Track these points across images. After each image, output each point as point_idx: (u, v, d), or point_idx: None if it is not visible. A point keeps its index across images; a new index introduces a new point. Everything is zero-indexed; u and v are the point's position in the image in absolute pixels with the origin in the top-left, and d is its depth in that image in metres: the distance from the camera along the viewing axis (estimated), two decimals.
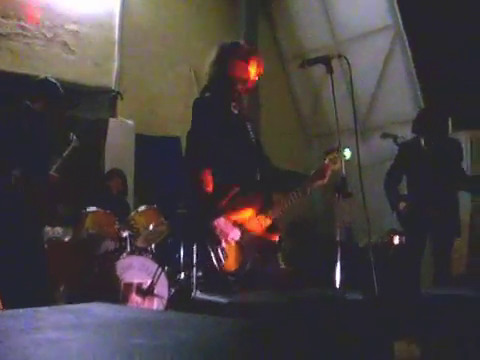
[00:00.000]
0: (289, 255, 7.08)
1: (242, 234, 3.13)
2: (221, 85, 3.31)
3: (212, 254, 3.03)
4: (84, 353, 1.22)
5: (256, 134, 3.47)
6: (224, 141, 3.20)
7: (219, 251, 3.04)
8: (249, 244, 3.13)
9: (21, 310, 1.72)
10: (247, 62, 3.33)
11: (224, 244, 3.05)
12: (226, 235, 3.05)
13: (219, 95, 3.30)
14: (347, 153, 3.38)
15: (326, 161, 3.37)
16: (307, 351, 1.44)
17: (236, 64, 3.30)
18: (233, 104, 3.33)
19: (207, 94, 3.34)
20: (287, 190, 3.32)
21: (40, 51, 6.67)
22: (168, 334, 1.48)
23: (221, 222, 3.05)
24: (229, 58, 3.32)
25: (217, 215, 3.06)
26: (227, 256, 3.05)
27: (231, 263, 3.06)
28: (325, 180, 3.33)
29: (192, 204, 3.37)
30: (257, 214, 3.22)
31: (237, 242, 3.09)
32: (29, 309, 1.69)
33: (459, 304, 2.68)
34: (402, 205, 5.14)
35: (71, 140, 5.11)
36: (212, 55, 3.39)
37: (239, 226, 3.13)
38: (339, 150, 3.30)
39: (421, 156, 5.12)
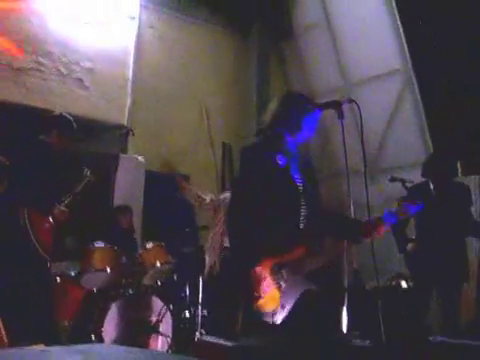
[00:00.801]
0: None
1: (282, 278, 3.11)
2: (274, 134, 3.32)
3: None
4: None
5: (306, 179, 3.41)
6: (267, 194, 3.20)
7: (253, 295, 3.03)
8: (289, 288, 3.12)
9: (28, 350, 1.72)
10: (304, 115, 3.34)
11: (256, 294, 3.03)
12: (258, 286, 3.03)
13: (268, 144, 3.31)
14: None
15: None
16: None
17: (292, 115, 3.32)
18: (278, 156, 3.30)
19: (257, 140, 3.36)
20: (337, 235, 3.32)
21: (55, 87, 6.77)
22: None
23: (258, 273, 3.04)
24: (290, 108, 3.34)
25: (255, 264, 3.04)
26: (261, 298, 3.03)
27: (267, 304, 3.05)
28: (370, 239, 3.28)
29: (233, 249, 3.33)
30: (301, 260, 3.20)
31: (276, 287, 3.08)
32: (36, 348, 1.69)
33: (468, 353, 2.65)
34: (410, 246, 5.12)
35: (85, 175, 5.15)
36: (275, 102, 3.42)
37: (280, 269, 3.12)
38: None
39: (430, 200, 5.11)
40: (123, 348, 2.19)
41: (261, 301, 2.98)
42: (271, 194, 3.16)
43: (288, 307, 3.05)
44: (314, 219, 3.30)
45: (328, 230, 3.43)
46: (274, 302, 3.04)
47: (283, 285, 3.07)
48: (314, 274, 3.30)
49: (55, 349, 1.78)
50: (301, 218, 3.25)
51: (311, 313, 3.15)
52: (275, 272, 3.07)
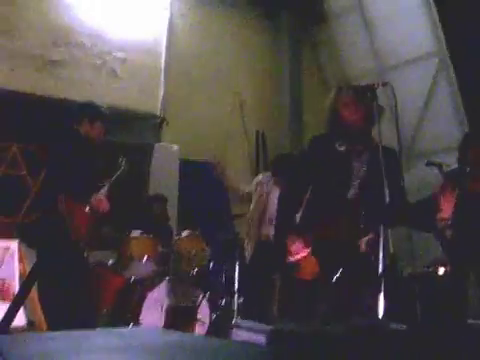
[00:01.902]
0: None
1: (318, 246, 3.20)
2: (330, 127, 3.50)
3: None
4: None
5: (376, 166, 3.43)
6: (316, 174, 3.34)
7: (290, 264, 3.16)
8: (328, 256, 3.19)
9: (68, 332, 1.76)
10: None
11: (290, 258, 3.16)
12: (290, 250, 3.15)
13: (330, 132, 3.50)
14: None
15: None
16: None
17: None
18: (339, 142, 3.40)
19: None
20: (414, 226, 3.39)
21: (88, 78, 6.84)
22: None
23: (291, 238, 3.14)
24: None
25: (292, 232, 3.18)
26: (299, 268, 3.15)
27: (305, 273, 3.16)
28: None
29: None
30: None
31: (313, 254, 3.19)
32: (76, 332, 1.72)
33: None
34: (448, 233, 5.05)
35: (120, 165, 5.19)
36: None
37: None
38: None
39: (466, 184, 5.03)
40: (160, 330, 2.22)
41: (298, 267, 3.09)
42: (321, 176, 3.28)
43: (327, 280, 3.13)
44: (373, 205, 3.33)
45: (401, 219, 3.50)
46: (312, 271, 3.12)
47: (322, 257, 3.16)
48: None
49: (93, 332, 1.81)
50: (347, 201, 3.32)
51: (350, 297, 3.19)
52: (314, 243, 3.18)
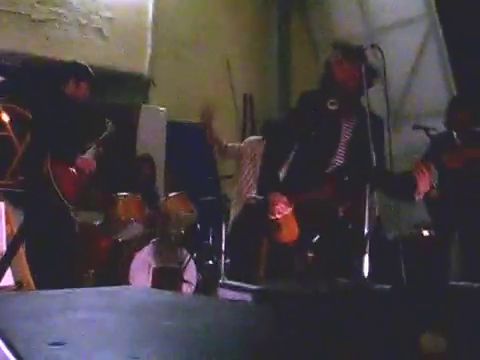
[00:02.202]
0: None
1: (298, 208, 3.20)
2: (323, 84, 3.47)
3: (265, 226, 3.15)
4: (117, 333, 1.26)
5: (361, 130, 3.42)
6: (305, 133, 3.31)
7: (271, 224, 3.15)
8: (308, 217, 3.20)
9: (55, 291, 1.77)
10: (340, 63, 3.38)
11: (276, 215, 3.14)
12: (272, 207, 3.14)
13: (323, 89, 3.45)
14: None
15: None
16: (333, 339, 1.45)
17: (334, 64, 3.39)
18: (331, 100, 3.36)
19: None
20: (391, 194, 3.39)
21: (75, 37, 6.75)
22: (199, 318, 1.51)
23: (274, 196, 3.14)
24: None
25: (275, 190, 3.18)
26: (280, 228, 3.15)
27: (286, 235, 3.17)
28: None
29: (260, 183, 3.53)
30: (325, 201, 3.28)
31: (293, 214, 3.18)
32: (64, 290, 1.74)
33: None
34: (433, 192, 5.09)
35: (107, 126, 5.16)
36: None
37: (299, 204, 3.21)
38: None
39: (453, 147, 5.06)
40: (149, 289, 2.25)
41: (280, 231, 3.09)
42: (309, 134, 3.26)
43: (309, 241, 3.16)
44: (358, 169, 3.33)
45: (382, 187, 3.48)
46: (292, 234, 3.14)
47: (303, 221, 3.16)
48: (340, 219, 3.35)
49: (81, 290, 1.83)
50: (333, 162, 3.31)
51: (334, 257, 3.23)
52: (296, 207, 3.17)
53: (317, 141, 3.31)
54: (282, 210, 3.16)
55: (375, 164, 3.22)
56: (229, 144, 5.55)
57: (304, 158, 3.32)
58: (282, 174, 3.32)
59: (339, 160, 3.38)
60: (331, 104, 3.35)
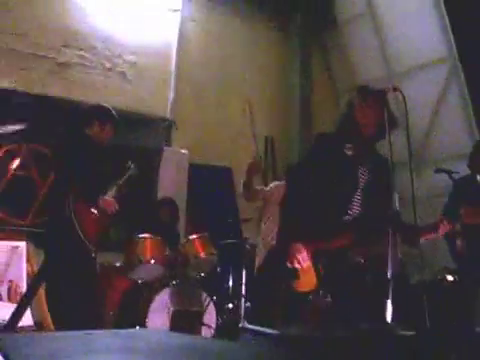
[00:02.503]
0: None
1: (317, 256, 3.17)
2: (342, 126, 3.40)
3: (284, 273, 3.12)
4: None
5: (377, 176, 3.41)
6: (323, 179, 3.27)
7: (290, 271, 3.12)
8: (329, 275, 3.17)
9: (73, 332, 1.75)
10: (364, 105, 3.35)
11: (291, 265, 3.11)
12: (293, 257, 3.11)
13: (340, 133, 3.39)
14: None
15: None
16: None
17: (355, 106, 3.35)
18: (348, 145, 3.34)
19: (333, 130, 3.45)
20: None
21: (99, 80, 6.87)
22: None
23: (295, 246, 3.12)
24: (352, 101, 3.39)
25: (295, 240, 3.14)
26: (299, 277, 3.11)
27: (304, 284, 3.13)
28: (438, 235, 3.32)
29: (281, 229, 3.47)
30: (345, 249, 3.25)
31: (312, 265, 3.15)
32: (81, 332, 1.72)
33: None
34: (459, 243, 5.02)
35: (129, 168, 5.20)
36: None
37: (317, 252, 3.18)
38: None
39: (477, 192, 5.00)
40: (166, 332, 2.22)
41: (297, 279, 3.05)
42: (327, 180, 3.22)
43: (326, 293, 3.10)
44: (372, 217, 3.30)
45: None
46: (310, 282, 3.10)
47: (321, 270, 3.11)
48: (360, 266, 3.30)
49: (99, 332, 1.81)
50: (351, 209, 3.27)
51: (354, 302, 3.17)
52: (314, 256, 3.13)
53: (335, 187, 3.27)
54: (303, 261, 3.12)
55: (396, 208, 3.20)
56: (257, 187, 5.53)
57: (323, 204, 3.27)
58: (301, 220, 3.27)
59: (356, 206, 3.34)
60: (348, 149, 3.32)
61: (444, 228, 3.38)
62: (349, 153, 3.31)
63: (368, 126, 3.31)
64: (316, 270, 3.16)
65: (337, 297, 3.20)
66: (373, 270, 3.32)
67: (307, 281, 3.16)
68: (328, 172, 3.27)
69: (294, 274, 3.13)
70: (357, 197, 3.32)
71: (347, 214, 3.29)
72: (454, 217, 4.83)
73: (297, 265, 3.13)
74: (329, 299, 3.21)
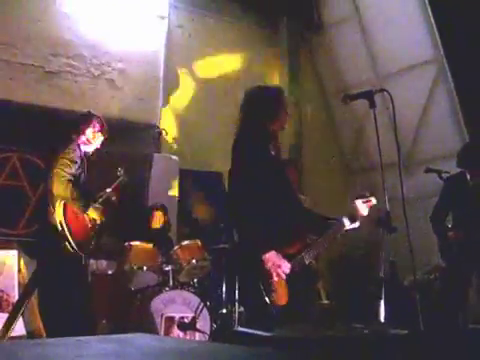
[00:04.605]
0: (332, 291, 7.00)
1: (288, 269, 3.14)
2: (258, 125, 3.40)
3: (262, 287, 3.05)
4: None
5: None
6: (264, 182, 3.25)
7: (269, 285, 3.06)
8: (295, 279, 3.14)
9: (65, 339, 1.75)
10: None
11: (275, 278, 3.07)
12: (277, 268, 3.07)
13: (258, 135, 3.38)
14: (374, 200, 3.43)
15: (356, 204, 3.37)
16: None
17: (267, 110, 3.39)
18: (270, 146, 3.36)
19: (245, 132, 3.41)
20: (319, 234, 3.33)
21: (87, 88, 6.84)
22: None
23: (273, 255, 3.08)
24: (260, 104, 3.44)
25: (267, 249, 3.09)
26: (275, 290, 3.07)
27: (279, 297, 3.08)
28: (357, 224, 3.35)
29: (240, 239, 3.37)
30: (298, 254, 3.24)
31: (286, 276, 3.11)
32: (72, 338, 1.71)
33: None
34: (451, 234, 5.04)
35: (119, 175, 5.19)
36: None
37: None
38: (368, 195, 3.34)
39: (467, 191, 5.03)
40: (158, 337, 2.21)
41: (275, 295, 3.03)
42: (268, 185, 3.22)
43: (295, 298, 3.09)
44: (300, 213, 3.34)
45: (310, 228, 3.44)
46: (284, 296, 3.07)
47: (287, 277, 3.10)
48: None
49: (91, 338, 1.80)
50: (292, 210, 3.30)
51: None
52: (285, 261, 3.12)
53: (277, 189, 3.28)
54: (286, 270, 3.10)
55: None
56: None
57: (270, 204, 3.25)
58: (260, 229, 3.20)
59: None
60: (272, 149, 3.35)
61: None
62: (273, 153, 3.35)
63: (281, 128, 3.38)
64: (284, 280, 3.14)
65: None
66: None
67: (281, 294, 3.13)
68: (266, 175, 3.26)
69: (271, 289, 3.10)
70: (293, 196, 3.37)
71: (291, 213, 3.31)
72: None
73: (282, 276, 3.10)
74: None
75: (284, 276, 3.10)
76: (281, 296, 3.09)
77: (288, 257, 3.16)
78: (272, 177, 3.29)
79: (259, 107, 3.40)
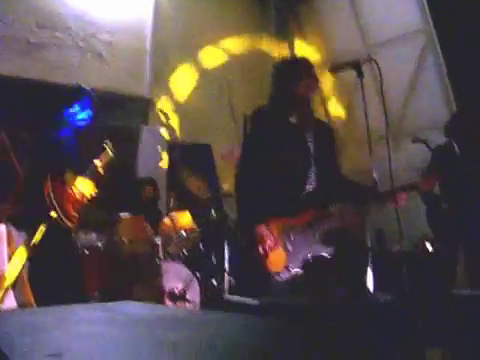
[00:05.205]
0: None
1: (289, 240, 3.16)
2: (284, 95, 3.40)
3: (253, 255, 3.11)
4: (116, 345, 1.24)
5: (322, 142, 3.42)
6: (275, 153, 3.25)
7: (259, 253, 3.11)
8: (297, 250, 3.18)
9: (53, 307, 1.76)
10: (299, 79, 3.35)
11: (261, 250, 3.10)
12: (263, 242, 3.10)
13: (280, 105, 3.39)
14: None
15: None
16: (336, 350, 1.44)
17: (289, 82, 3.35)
18: (292, 114, 3.34)
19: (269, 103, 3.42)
20: (353, 202, 3.34)
21: (74, 61, 6.78)
22: (202, 330, 1.49)
23: (259, 230, 3.11)
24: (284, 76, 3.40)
25: (260, 222, 3.12)
26: (268, 258, 3.12)
27: (274, 264, 3.13)
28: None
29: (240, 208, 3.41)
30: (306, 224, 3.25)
31: (282, 247, 3.15)
32: (62, 306, 1.72)
33: None
34: (445, 206, 5.09)
35: (105, 147, 5.18)
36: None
37: (284, 231, 3.17)
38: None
39: (455, 160, 5.06)
40: (149, 305, 2.23)
41: (266, 261, 3.07)
42: (280, 153, 3.21)
43: (295, 269, 3.11)
44: (329, 181, 3.32)
45: (344, 196, 3.45)
46: (279, 263, 3.11)
47: (290, 247, 3.13)
48: (333, 235, 3.32)
49: (79, 306, 1.82)
50: (309, 179, 3.28)
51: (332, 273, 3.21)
52: (282, 233, 3.14)
53: (289, 159, 3.27)
54: (271, 245, 3.13)
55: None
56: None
57: (280, 178, 3.26)
58: (259, 200, 3.22)
59: (313, 176, 3.34)
60: (293, 118, 3.33)
61: (426, 184, 3.40)
62: (294, 122, 3.32)
63: (309, 94, 3.35)
64: (284, 247, 3.17)
65: (310, 268, 3.21)
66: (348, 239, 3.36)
67: (277, 260, 3.16)
68: (278, 145, 3.25)
69: (264, 258, 3.14)
70: (311, 165, 3.33)
71: (307, 185, 3.30)
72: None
73: (267, 248, 3.13)
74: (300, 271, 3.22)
75: (270, 249, 3.13)
76: (275, 262, 3.14)
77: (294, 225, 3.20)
78: (283, 146, 3.28)
79: (281, 73, 3.40)
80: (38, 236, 4.35)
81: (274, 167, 3.24)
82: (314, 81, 3.39)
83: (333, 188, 3.37)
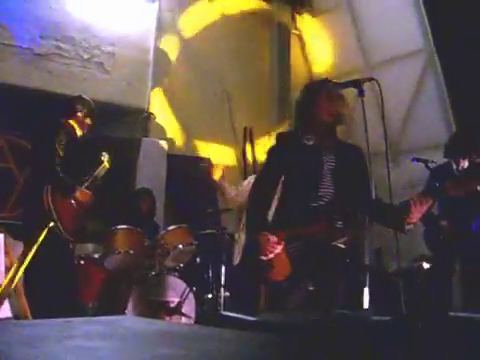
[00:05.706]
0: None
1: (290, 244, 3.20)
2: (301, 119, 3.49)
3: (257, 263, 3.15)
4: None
5: (345, 162, 3.45)
6: (288, 170, 3.31)
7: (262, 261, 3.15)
8: (303, 262, 3.20)
9: (52, 320, 1.76)
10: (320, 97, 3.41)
11: (263, 257, 3.14)
12: (264, 248, 3.13)
13: (298, 127, 3.49)
14: None
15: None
16: None
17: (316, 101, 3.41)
18: (307, 136, 3.38)
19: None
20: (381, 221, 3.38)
21: (76, 71, 6.80)
22: (197, 346, 1.49)
23: (263, 237, 3.15)
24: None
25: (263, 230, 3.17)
26: (272, 266, 3.15)
27: (278, 272, 3.16)
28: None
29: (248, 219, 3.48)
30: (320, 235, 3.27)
31: (286, 255, 3.18)
32: (60, 319, 1.72)
33: None
34: (444, 223, 5.10)
35: (103, 159, 5.20)
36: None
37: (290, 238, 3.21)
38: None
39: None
40: (145, 320, 2.23)
41: (270, 268, 3.09)
42: (291, 170, 3.26)
43: (299, 280, 3.14)
44: (347, 199, 3.33)
45: (371, 215, 3.50)
46: (284, 270, 3.13)
47: (295, 256, 3.15)
48: (340, 252, 3.34)
49: (78, 320, 1.82)
50: (320, 195, 3.30)
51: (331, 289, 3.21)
52: (287, 243, 3.16)
53: (300, 174, 3.33)
54: (272, 250, 3.16)
55: (373, 197, 3.25)
56: (232, 194, 5.52)
57: (292, 194, 3.32)
58: (272, 212, 3.31)
59: (326, 192, 3.37)
60: (308, 140, 3.38)
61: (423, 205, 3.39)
62: (309, 143, 3.36)
63: (330, 116, 3.37)
64: (289, 256, 3.21)
65: (319, 283, 3.24)
66: (351, 256, 3.37)
67: (281, 269, 3.20)
68: (291, 163, 3.33)
69: (267, 265, 3.17)
70: (325, 183, 3.36)
71: (317, 199, 3.32)
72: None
73: (270, 255, 3.17)
74: (310, 287, 3.25)
75: (270, 255, 3.17)
76: (279, 270, 3.18)
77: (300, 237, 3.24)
78: (297, 163, 3.34)
79: (302, 99, 3.46)
80: (36, 246, 4.35)
81: (287, 181, 3.32)
82: (333, 101, 3.41)
83: (358, 207, 3.38)
